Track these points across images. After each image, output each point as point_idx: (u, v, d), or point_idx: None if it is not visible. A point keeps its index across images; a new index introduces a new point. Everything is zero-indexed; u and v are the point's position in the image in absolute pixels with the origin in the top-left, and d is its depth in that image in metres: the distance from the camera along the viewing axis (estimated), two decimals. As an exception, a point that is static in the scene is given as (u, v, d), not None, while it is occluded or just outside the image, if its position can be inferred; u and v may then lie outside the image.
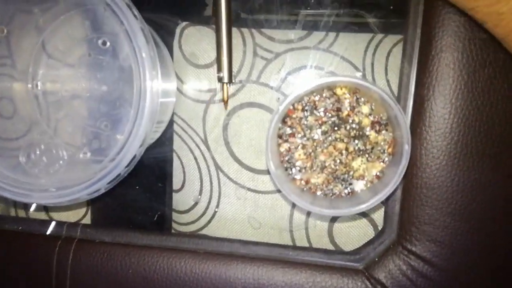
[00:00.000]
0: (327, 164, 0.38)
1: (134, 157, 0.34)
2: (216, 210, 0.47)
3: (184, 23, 0.47)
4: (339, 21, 0.44)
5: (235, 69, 0.45)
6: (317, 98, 0.37)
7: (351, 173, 0.38)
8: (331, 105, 0.37)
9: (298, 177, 0.38)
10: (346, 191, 0.38)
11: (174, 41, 0.47)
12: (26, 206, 0.50)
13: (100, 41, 0.36)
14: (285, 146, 0.38)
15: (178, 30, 0.47)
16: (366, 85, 0.34)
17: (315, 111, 0.37)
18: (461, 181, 0.37)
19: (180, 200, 0.50)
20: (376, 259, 0.39)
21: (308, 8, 0.45)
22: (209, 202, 0.48)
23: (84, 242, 0.43)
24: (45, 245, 0.43)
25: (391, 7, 0.43)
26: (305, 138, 0.38)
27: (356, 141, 0.37)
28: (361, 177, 0.38)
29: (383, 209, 0.42)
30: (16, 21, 0.41)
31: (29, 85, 0.42)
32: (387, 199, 0.38)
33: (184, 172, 0.49)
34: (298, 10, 0.45)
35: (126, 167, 0.34)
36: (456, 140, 0.37)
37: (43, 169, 0.37)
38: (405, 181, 0.38)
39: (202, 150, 0.48)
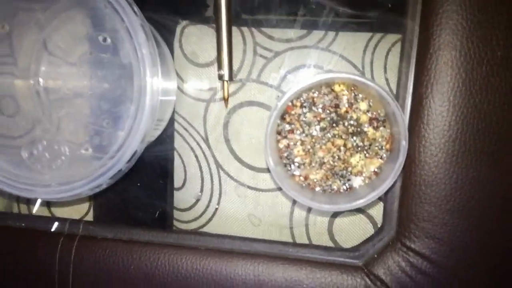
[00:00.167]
0: (325, 160, 0.38)
1: (135, 153, 0.34)
2: (217, 207, 0.48)
3: (184, 22, 0.48)
4: (338, 20, 0.45)
5: (235, 67, 0.45)
6: (315, 94, 0.37)
7: (350, 169, 0.38)
8: (329, 102, 0.37)
9: (297, 173, 0.39)
10: (344, 187, 0.38)
11: (175, 40, 0.48)
12: (29, 203, 0.50)
13: (100, 38, 0.36)
14: (284, 142, 0.38)
15: (178, 29, 0.48)
16: (364, 82, 0.34)
17: (313, 108, 0.38)
18: (460, 178, 0.37)
19: (181, 198, 0.50)
20: (375, 256, 0.39)
21: (308, 7, 0.45)
22: (210, 200, 0.48)
23: (86, 238, 0.44)
24: (47, 241, 0.44)
25: (389, 6, 0.43)
26: (304, 135, 0.38)
27: (354, 138, 0.38)
28: (359, 173, 0.38)
29: (382, 206, 0.42)
30: (17, 19, 0.41)
31: (31, 83, 0.42)
32: (386, 196, 0.39)
33: (185, 170, 0.49)
34: (298, 9, 0.46)
35: (127, 162, 0.34)
36: (454, 137, 0.37)
37: (46, 165, 0.38)
38: (404, 178, 0.38)
39: (203, 148, 0.48)
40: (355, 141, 0.38)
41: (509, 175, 0.38)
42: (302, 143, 0.38)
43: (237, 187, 0.47)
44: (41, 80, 0.41)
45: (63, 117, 0.43)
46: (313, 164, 0.38)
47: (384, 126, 0.38)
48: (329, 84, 0.37)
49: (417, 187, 0.38)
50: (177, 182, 0.50)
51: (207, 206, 0.49)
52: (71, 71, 0.41)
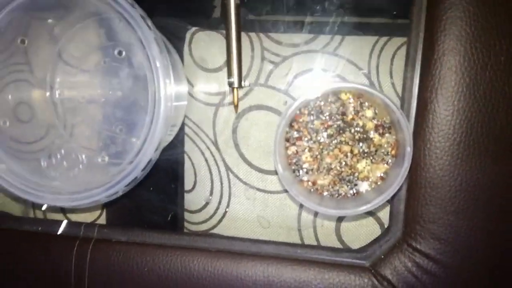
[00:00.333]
0: (333, 166, 0.39)
1: (150, 160, 0.36)
2: (227, 210, 0.49)
3: (193, 28, 0.49)
4: (344, 25, 0.46)
5: (243, 72, 0.46)
6: (322, 103, 0.38)
7: (356, 174, 0.39)
8: (336, 110, 0.38)
9: (305, 178, 0.40)
10: (351, 191, 0.39)
11: (184, 46, 0.49)
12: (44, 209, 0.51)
13: (116, 51, 0.37)
14: (292, 149, 0.39)
15: (188, 35, 0.49)
16: (370, 91, 0.35)
17: (320, 115, 0.39)
18: (464, 180, 0.38)
19: (191, 200, 0.51)
20: (382, 257, 0.40)
21: (314, 12, 0.46)
22: (219, 202, 0.50)
23: (101, 242, 0.45)
24: (63, 245, 0.45)
25: (394, 13, 0.44)
26: (311, 141, 0.39)
27: (361, 144, 0.39)
28: (366, 178, 0.39)
29: (388, 208, 0.43)
30: (33, 31, 0.42)
31: (47, 92, 0.44)
32: (392, 198, 0.39)
33: (195, 173, 0.50)
34: (305, 14, 0.46)
35: (142, 170, 0.36)
36: (459, 141, 0.38)
37: (64, 173, 0.39)
38: (410, 180, 0.39)
39: (213, 151, 0.49)
40: (361, 147, 0.39)
41: (512, 177, 0.38)
42: (310, 149, 0.39)
43: (246, 190, 0.48)
44: (56, 88, 0.43)
45: (77, 123, 0.44)
46: (321, 170, 0.39)
47: (390, 133, 0.39)
48: (335, 93, 0.38)
49: (422, 189, 0.39)
50: (187, 185, 0.51)
51: (217, 208, 0.50)
52: (85, 80, 0.43)
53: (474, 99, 0.38)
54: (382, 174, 0.39)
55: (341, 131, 0.39)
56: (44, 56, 0.43)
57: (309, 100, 0.38)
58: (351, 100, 0.38)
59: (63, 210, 0.52)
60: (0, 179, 0.37)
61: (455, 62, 0.38)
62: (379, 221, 0.45)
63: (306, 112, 0.39)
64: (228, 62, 0.44)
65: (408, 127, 0.35)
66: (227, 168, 0.49)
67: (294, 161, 0.39)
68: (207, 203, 0.50)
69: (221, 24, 0.47)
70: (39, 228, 0.47)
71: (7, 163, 0.38)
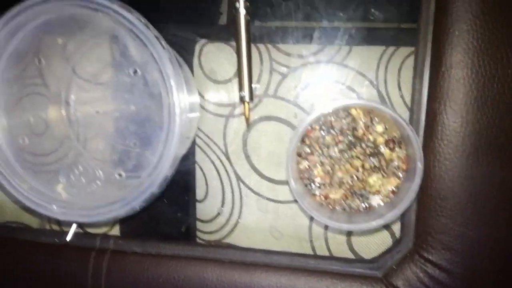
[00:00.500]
0: (344, 180, 0.40)
1: (166, 177, 0.37)
2: (239, 220, 0.50)
3: (203, 41, 0.49)
4: (351, 35, 0.46)
5: (253, 83, 0.47)
6: (333, 118, 0.39)
7: (368, 188, 0.40)
8: (346, 125, 0.39)
9: (317, 192, 0.40)
10: (363, 205, 0.40)
11: (194, 58, 0.49)
12: (60, 221, 0.52)
13: (131, 70, 0.38)
14: (304, 163, 0.40)
15: (197, 48, 0.50)
16: (380, 108, 0.36)
17: (331, 131, 0.39)
18: (473, 191, 0.39)
19: (203, 210, 0.52)
20: (394, 267, 0.41)
21: (322, 23, 0.47)
22: (231, 212, 0.50)
23: (117, 253, 0.46)
24: (80, 256, 0.46)
25: (402, 26, 0.45)
26: (323, 156, 0.40)
27: (372, 159, 0.39)
28: (378, 192, 0.40)
29: (399, 218, 0.43)
30: (48, 49, 0.43)
31: (62, 106, 0.45)
32: (403, 211, 0.40)
33: (206, 183, 0.51)
34: (312, 25, 0.47)
35: (159, 186, 0.37)
36: (468, 152, 0.39)
37: (82, 189, 0.40)
38: (420, 192, 0.39)
39: (223, 162, 0.50)
40: (372, 162, 0.39)
41: (522, 187, 0.39)
42: (322, 164, 0.40)
43: (258, 201, 0.49)
44: (71, 103, 0.44)
45: (91, 137, 0.45)
46: (333, 184, 0.40)
47: (400, 147, 0.39)
48: (346, 108, 0.39)
49: (433, 201, 0.40)
50: (199, 194, 0.52)
51: (229, 218, 0.51)
52: (99, 94, 0.43)
53: (483, 111, 0.39)
54: (393, 188, 0.39)
55: (352, 146, 0.39)
56: (59, 73, 0.44)
57: (320, 115, 0.38)
58: (362, 116, 0.39)
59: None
60: (23, 197, 0.38)
61: (463, 75, 0.39)
62: (390, 231, 0.45)
63: (317, 127, 0.39)
64: (239, 77, 0.44)
65: (418, 143, 0.36)
66: (238, 178, 0.49)
67: (306, 175, 0.40)
68: (218, 213, 0.51)
69: (230, 36, 0.48)
70: (56, 240, 0.48)
71: (27, 180, 0.39)
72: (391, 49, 0.46)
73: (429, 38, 0.41)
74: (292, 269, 0.42)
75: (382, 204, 0.40)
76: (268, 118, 0.48)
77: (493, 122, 0.38)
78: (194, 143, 0.50)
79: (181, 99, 0.35)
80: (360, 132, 0.39)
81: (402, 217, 0.41)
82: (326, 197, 0.40)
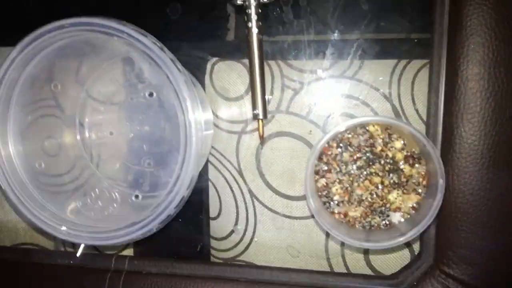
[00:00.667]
0: (364, 197, 0.39)
1: (183, 198, 0.36)
2: (254, 238, 0.49)
3: (214, 59, 0.50)
4: (363, 49, 0.46)
5: (266, 95, 0.46)
6: (350, 135, 0.39)
7: (388, 205, 0.39)
8: (364, 142, 0.39)
9: (336, 210, 0.40)
10: (384, 223, 0.39)
11: (206, 76, 0.50)
12: (74, 243, 0.52)
13: (147, 93, 0.38)
14: (322, 181, 0.39)
15: (209, 66, 0.50)
16: (398, 124, 0.36)
17: (349, 148, 0.39)
18: (494, 205, 0.38)
19: (217, 227, 0.52)
20: (415, 283, 0.40)
21: (332, 38, 0.47)
22: (245, 229, 0.50)
23: (132, 273, 0.45)
24: (96, 278, 0.46)
25: (416, 41, 0.45)
26: (341, 174, 0.39)
27: (391, 175, 0.39)
28: (398, 209, 0.39)
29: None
30: (62, 72, 0.44)
31: (76, 129, 0.45)
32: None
33: (220, 201, 0.51)
34: (324, 40, 0.47)
35: (175, 207, 0.36)
36: (487, 165, 0.38)
37: (99, 212, 0.40)
38: (440, 206, 0.39)
39: (237, 178, 0.50)
40: (392, 178, 0.39)
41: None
42: (340, 181, 0.39)
43: (273, 217, 0.48)
44: (85, 125, 0.44)
45: (106, 158, 0.45)
46: (352, 202, 0.39)
47: (420, 163, 0.39)
48: (363, 125, 0.39)
49: (452, 215, 0.39)
50: (212, 212, 0.52)
51: (243, 235, 0.50)
52: (114, 116, 0.44)
53: (501, 123, 0.38)
54: (414, 205, 0.39)
55: (370, 163, 0.39)
56: (73, 96, 0.44)
57: (337, 133, 0.38)
58: (379, 132, 0.39)
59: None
60: (40, 221, 0.38)
61: (479, 87, 0.38)
62: (409, 246, 0.45)
63: (335, 144, 0.39)
64: (253, 95, 0.44)
65: (439, 159, 0.35)
66: (252, 194, 0.49)
67: (324, 193, 0.40)
68: (233, 231, 0.50)
69: (240, 54, 0.48)
70: (71, 262, 0.48)
71: (42, 203, 0.39)
72: (403, 62, 0.46)
73: (444, 52, 0.41)
74: (311, 288, 0.41)
75: (402, 220, 0.39)
76: (281, 134, 0.48)
77: (511, 134, 0.38)
78: (207, 160, 0.50)
79: (197, 119, 0.35)
80: (378, 148, 0.39)
81: (422, 232, 0.41)
82: (345, 215, 0.40)
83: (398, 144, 0.39)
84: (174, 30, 0.49)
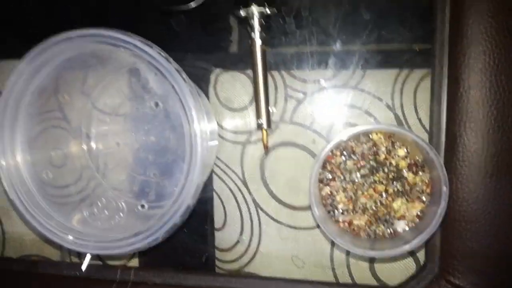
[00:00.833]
0: (368, 206, 0.39)
1: (188, 206, 0.37)
2: (259, 249, 0.49)
3: (218, 70, 0.50)
4: (365, 59, 0.46)
5: (270, 107, 0.47)
6: (354, 143, 0.39)
7: (392, 213, 0.39)
8: (368, 150, 0.39)
9: (341, 219, 0.40)
10: (388, 231, 0.39)
11: (210, 87, 0.50)
12: (80, 254, 0.52)
13: (152, 103, 0.39)
14: (326, 190, 0.40)
15: (213, 77, 0.50)
16: (401, 131, 0.36)
17: (353, 156, 0.39)
18: (498, 213, 0.38)
19: (222, 238, 0.52)
20: (421, 293, 0.40)
21: (335, 48, 0.47)
22: (250, 240, 0.50)
23: (137, 285, 0.45)
24: (101, 289, 0.46)
25: (417, 50, 0.45)
26: (345, 182, 0.40)
27: (395, 183, 0.39)
28: (402, 217, 0.39)
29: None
30: (69, 84, 0.44)
31: (82, 140, 0.45)
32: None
33: (225, 211, 0.51)
34: (327, 51, 0.48)
35: (181, 216, 0.37)
36: (491, 173, 0.38)
37: (105, 221, 0.40)
38: (444, 215, 0.39)
39: (241, 189, 0.50)
40: (395, 186, 0.39)
41: (548, 207, 0.38)
42: (344, 190, 0.39)
43: (278, 227, 0.48)
44: (91, 136, 0.44)
45: (112, 169, 0.46)
46: (356, 210, 0.40)
47: (423, 171, 0.39)
48: (366, 133, 0.39)
49: (457, 223, 0.39)
50: (217, 223, 0.52)
51: (248, 246, 0.50)
52: (119, 127, 0.44)
53: (503, 131, 0.38)
54: (418, 213, 0.39)
55: (374, 171, 0.39)
56: (79, 107, 0.45)
57: (341, 141, 0.38)
58: (383, 140, 0.39)
59: (98, 255, 0.53)
60: (47, 231, 0.39)
61: (481, 96, 0.39)
62: (414, 256, 0.45)
63: (338, 153, 0.39)
64: (257, 105, 0.45)
65: (442, 167, 0.35)
66: (256, 205, 0.49)
67: (328, 201, 0.40)
68: (238, 241, 0.50)
69: (244, 64, 0.49)
70: (77, 273, 0.48)
71: (49, 213, 0.40)
72: (405, 71, 0.46)
73: (445, 61, 0.41)
74: (316, 298, 0.41)
75: (407, 229, 0.39)
76: (285, 144, 0.48)
77: (515, 142, 0.38)
78: (212, 171, 0.50)
79: (202, 129, 0.36)
80: (382, 156, 0.39)
81: (426, 242, 0.40)
82: (350, 224, 0.40)
83: (402, 152, 0.39)
84: (179, 41, 0.50)
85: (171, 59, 0.36)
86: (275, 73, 0.48)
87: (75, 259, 0.53)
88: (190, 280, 0.45)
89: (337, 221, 0.40)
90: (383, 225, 0.39)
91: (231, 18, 0.50)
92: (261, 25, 0.43)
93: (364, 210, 0.40)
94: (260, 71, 0.44)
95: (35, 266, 0.50)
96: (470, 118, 0.39)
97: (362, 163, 0.39)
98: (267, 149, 0.47)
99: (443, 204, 0.35)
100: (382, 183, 0.39)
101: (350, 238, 0.39)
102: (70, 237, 0.38)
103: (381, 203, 0.39)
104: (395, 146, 0.39)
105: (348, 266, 0.47)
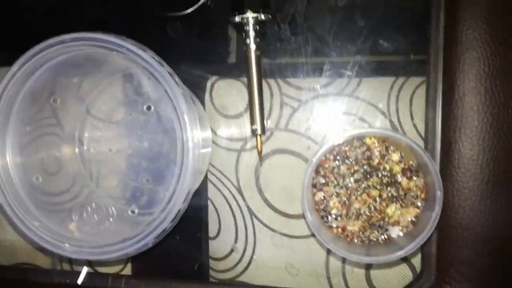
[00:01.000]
0: (362, 211, 0.39)
1: (179, 211, 0.36)
2: (254, 257, 0.49)
3: (214, 77, 0.50)
4: (361, 67, 0.46)
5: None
6: (347, 148, 0.39)
7: (386, 219, 0.39)
8: (361, 154, 0.39)
9: (334, 224, 0.39)
10: (382, 237, 0.39)
11: (206, 94, 0.50)
12: (72, 260, 0.52)
13: (145, 106, 0.39)
14: (319, 195, 0.39)
15: (208, 84, 0.50)
16: (395, 136, 0.36)
17: (346, 161, 0.39)
18: (496, 220, 0.38)
19: (216, 247, 0.51)
20: (417, 302, 0.39)
21: (331, 57, 0.47)
22: (244, 249, 0.49)
23: (129, 293, 0.45)
24: (92, 297, 0.45)
25: (412, 56, 0.45)
26: (338, 187, 0.39)
27: (389, 188, 0.39)
28: (397, 223, 0.39)
29: (419, 250, 0.42)
30: (62, 88, 0.44)
31: (76, 146, 0.45)
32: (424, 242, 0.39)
33: (219, 220, 0.50)
34: (321, 59, 0.48)
35: (172, 221, 0.36)
36: (487, 180, 0.38)
37: (95, 226, 0.40)
38: (440, 222, 0.38)
39: (236, 197, 0.49)
40: (390, 191, 0.38)
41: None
42: (338, 195, 0.39)
43: (273, 236, 0.48)
44: (84, 142, 0.44)
45: (104, 175, 0.45)
46: (350, 215, 0.39)
47: (418, 176, 0.39)
48: (360, 137, 0.39)
49: (453, 231, 0.39)
50: (211, 231, 0.51)
51: (243, 255, 0.49)
52: (113, 133, 0.44)
53: (499, 137, 0.38)
54: (413, 218, 0.38)
55: (368, 176, 0.39)
56: (73, 112, 0.45)
57: (334, 145, 0.38)
58: (376, 144, 0.39)
59: (89, 261, 0.52)
60: (35, 236, 0.38)
61: (476, 102, 0.39)
62: (410, 264, 0.44)
63: (332, 157, 0.39)
64: (251, 110, 0.45)
65: (436, 171, 0.35)
66: (251, 213, 0.49)
67: (322, 207, 0.40)
68: (232, 250, 0.50)
69: (240, 72, 0.49)
70: (68, 281, 0.47)
71: (40, 219, 0.39)
72: (401, 79, 0.46)
73: (440, 67, 0.41)
74: (311, 307, 0.40)
75: (401, 235, 0.39)
76: (280, 151, 0.48)
77: (510, 148, 0.38)
78: (206, 178, 0.50)
79: (195, 134, 0.36)
80: (375, 161, 0.39)
81: (422, 250, 0.40)
82: (343, 229, 0.39)
83: (395, 156, 0.39)
84: (175, 48, 0.50)
85: (164, 63, 0.36)
86: (271, 81, 0.48)
87: (65, 266, 0.52)
88: (182, 289, 0.44)
89: (330, 227, 0.40)
90: (377, 231, 0.39)
91: (227, 26, 0.50)
92: (255, 30, 0.43)
93: (358, 215, 0.39)
94: (255, 76, 0.44)
95: (26, 274, 0.49)
96: (465, 124, 0.39)
97: (356, 168, 0.39)
98: (261, 155, 0.47)
99: (437, 209, 0.35)
100: (376, 188, 0.39)
101: (344, 244, 0.38)
102: (59, 243, 0.38)
103: (375, 209, 0.39)
104: (389, 151, 0.39)
105: (343, 275, 0.46)
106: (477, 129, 0.38)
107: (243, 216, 0.49)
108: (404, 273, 0.44)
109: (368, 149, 0.39)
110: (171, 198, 0.36)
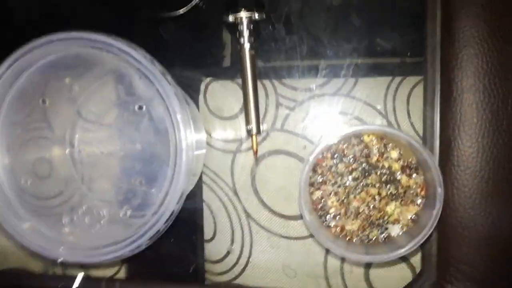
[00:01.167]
0: (361, 210, 0.38)
1: (172, 213, 0.35)
2: (250, 259, 0.48)
3: (208, 79, 0.50)
4: (357, 67, 0.46)
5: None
6: (345, 146, 0.38)
7: (386, 217, 0.38)
8: (359, 152, 0.38)
9: (332, 224, 0.39)
10: (382, 236, 0.38)
11: (200, 96, 0.50)
12: (65, 264, 0.51)
13: (136, 106, 0.38)
14: (317, 194, 0.39)
15: (202, 86, 0.50)
16: (393, 132, 0.35)
17: (344, 159, 0.38)
18: (496, 219, 0.37)
19: (212, 250, 0.50)
20: (417, 303, 0.38)
21: (327, 57, 0.47)
22: (241, 251, 0.49)
23: (123, 298, 0.44)
24: (85, 302, 0.44)
25: (408, 54, 0.45)
26: (336, 185, 0.38)
27: (388, 186, 0.38)
28: (396, 221, 0.38)
29: (419, 249, 0.41)
30: (53, 90, 0.44)
31: (66, 148, 0.44)
32: (424, 241, 0.38)
33: (214, 222, 0.50)
34: (317, 59, 0.47)
35: (165, 223, 0.35)
36: (487, 178, 0.37)
37: (86, 229, 0.39)
38: (440, 221, 0.38)
39: (232, 198, 0.49)
40: (389, 189, 0.38)
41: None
42: (336, 193, 0.38)
43: (270, 237, 0.47)
44: (75, 144, 0.43)
45: (96, 178, 0.44)
46: (349, 214, 0.38)
47: (417, 173, 0.38)
48: (358, 135, 0.38)
49: (453, 230, 0.38)
50: (207, 234, 0.51)
51: (239, 257, 0.49)
52: (104, 135, 0.43)
53: (498, 134, 0.38)
54: (413, 216, 0.38)
55: (366, 174, 0.38)
56: (64, 114, 0.44)
57: (331, 143, 0.38)
58: (375, 142, 0.38)
59: (82, 265, 0.51)
60: (23, 238, 0.37)
61: (475, 99, 0.38)
62: (410, 264, 0.43)
63: (329, 155, 0.38)
64: (246, 110, 0.44)
65: (436, 167, 0.35)
66: (247, 215, 0.48)
67: (320, 206, 0.39)
68: (228, 253, 0.49)
69: (235, 73, 0.48)
70: (59, 286, 0.46)
71: (31, 223, 0.38)
72: (398, 79, 0.45)
73: (438, 65, 0.40)
74: (309, 310, 0.40)
75: (401, 233, 0.38)
76: (276, 152, 0.47)
77: (510, 144, 0.37)
78: (201, 180, 0.49)
79: (188, 134, 0.35)
80: (374, 159, 0.38)
81: (423, 249, 0.39)
82: (342, 229, 0.39)
83: (394, 154, 0.38)
84: (167, 50, 0.49)
85: (155, 62, 0.35)
86: (266, 82, 0.47)
87: (57, 271, 0.51)
88: (178, 293, 0.44)
89: (328, 227, 0.39)
90: (377, 229, 0.38)
91: (221, 27, 0.49)
92: (249, 29, 0.43)
93: (357, 214, 0.39)
94: (249, 76, 0.43)
95: (18, 279, 0.48)
96: (464, 122, 0.38)
97: (354, 166, 0.38)
98: (256, 155, 0.46)
99: (438, 206, 0.34)
100: (375, 186, 0.38)
101: (343, 243, 0.38)
102: (45, 245, 0.37)
103: (374, 207, 0.38)
104: (388, 148, 0.38)
105: (342, 275, 0.45)
106: (476, 127, 0.38)
107: (239, 218, 0.48)
108: (404, 273, 0.44)
109: (366, 146, 0.38)
110: (164, 200, 0.35)
